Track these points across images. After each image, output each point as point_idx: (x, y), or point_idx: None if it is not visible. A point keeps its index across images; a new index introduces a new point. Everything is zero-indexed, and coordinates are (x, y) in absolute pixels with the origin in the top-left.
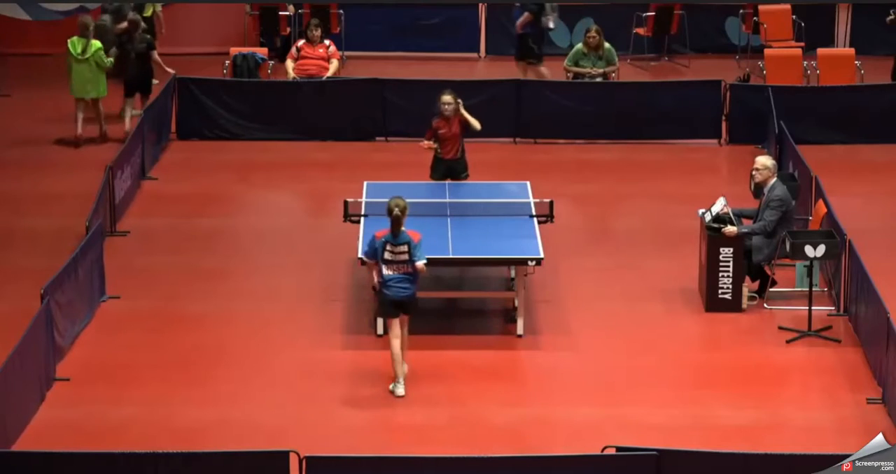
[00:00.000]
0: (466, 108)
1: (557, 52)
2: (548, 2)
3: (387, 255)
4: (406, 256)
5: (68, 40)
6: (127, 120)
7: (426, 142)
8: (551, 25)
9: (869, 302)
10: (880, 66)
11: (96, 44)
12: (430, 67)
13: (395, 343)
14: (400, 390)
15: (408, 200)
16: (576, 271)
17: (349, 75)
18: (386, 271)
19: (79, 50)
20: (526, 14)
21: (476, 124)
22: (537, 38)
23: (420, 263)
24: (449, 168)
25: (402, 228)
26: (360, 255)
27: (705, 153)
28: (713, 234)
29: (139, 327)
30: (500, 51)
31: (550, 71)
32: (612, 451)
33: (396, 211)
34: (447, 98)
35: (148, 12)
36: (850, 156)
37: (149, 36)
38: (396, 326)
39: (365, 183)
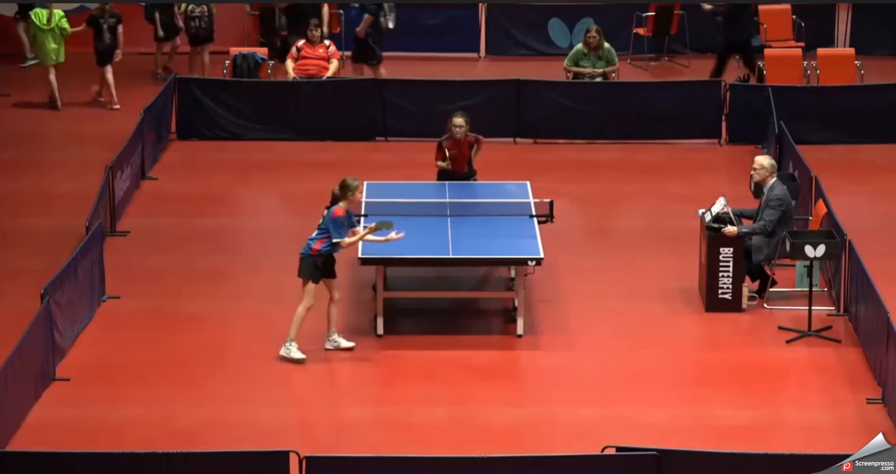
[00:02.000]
0: (466, 109)
1: (557, 52)
2: (387, 1)
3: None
4: (321, 220)
5: (31, 12)
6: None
7: (440, 163)
8: (391, 25)
9: (869, 302)
10: (880, 66)
11: (59, 13)
12: (430, 67)
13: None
14: (295, 353)
15: (408, 200)
16: (576, 271)
17: (349, 75)
18: None
19: (44, 20)
20: (366, 16)
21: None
22: (377, 39)
23: (337, 240)
24: (459, 178)
25: (339, 204)
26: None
27: (705, 153)
28: (713, 234)
29: (139, 327)
30: (500, 51)
31: (548, 71)
32: (612, 451)
33: (335, 187)
34: (459, 121)
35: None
36: (850, 156)
37: (118, 12)
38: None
39: (365, 183)
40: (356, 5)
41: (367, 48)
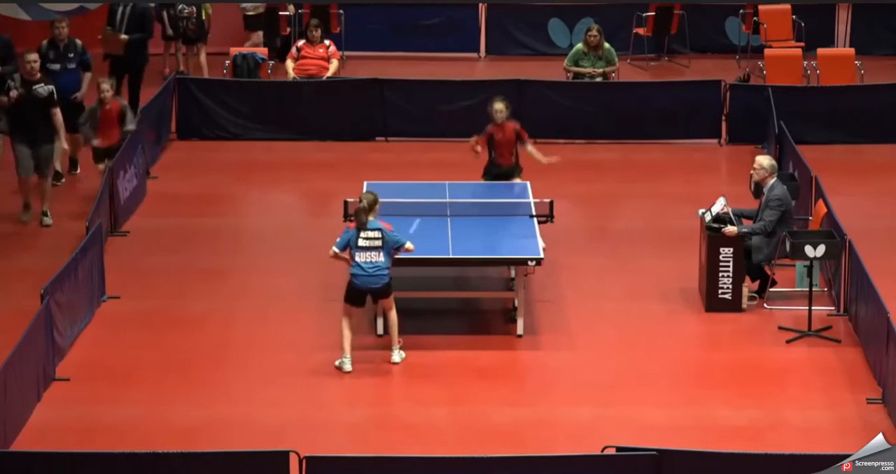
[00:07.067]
0: (466, 109)
1: (557, 52)
2: None
3: (361, 242)
4: (379, 242)
5: None
6: None
7: (475, 144)
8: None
9: (869, 302)
10: (880, 66)
11: None
12: (430, 67)
13: (347, 322)
14: (347, 365)
15: (407, 200)
16: (576, 271)
17: (349, 75)
18: (359, 258)
19: None
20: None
21: (541, 158)
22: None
23: (409, 244)
24: (502, 173)
25: (373, 218)
26: (332, 249)
27: (705, 153)
28: (713, 234)
29: (139, 327)
30: (500, 51)
31: (548, 71)
32: (612, 451)
33: (363, 203)
34: (499, 105)
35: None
36: (850, 156)
37: None
38: (356, 313)
39: (365, 183)
40: (72, 66)
41: (79, 111)
